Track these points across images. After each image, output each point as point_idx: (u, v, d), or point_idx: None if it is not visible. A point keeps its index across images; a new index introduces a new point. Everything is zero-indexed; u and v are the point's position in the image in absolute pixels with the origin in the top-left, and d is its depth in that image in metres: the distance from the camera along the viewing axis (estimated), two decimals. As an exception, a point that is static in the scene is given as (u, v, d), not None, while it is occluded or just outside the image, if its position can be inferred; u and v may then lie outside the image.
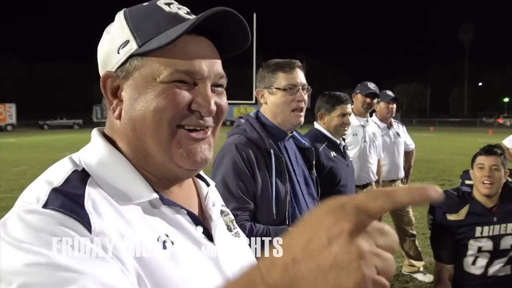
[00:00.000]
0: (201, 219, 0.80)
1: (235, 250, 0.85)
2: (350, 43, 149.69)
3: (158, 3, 0.76)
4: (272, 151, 1.79)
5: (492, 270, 2.44)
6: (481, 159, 2.42)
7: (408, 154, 4.88)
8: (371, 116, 4.64)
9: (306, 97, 1.91)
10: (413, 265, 4.42)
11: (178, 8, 0.76)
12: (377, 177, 4.06)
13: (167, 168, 0.75)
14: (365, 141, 3.92)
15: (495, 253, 2.42)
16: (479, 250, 2.42)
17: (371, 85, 4.08)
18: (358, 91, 4.06)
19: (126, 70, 0.73)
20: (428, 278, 4.24)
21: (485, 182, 2.37)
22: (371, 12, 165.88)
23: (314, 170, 2.04)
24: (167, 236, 0.70)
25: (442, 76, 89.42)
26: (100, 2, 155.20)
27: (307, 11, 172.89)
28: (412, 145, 4.91)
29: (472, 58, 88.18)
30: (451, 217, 2.44)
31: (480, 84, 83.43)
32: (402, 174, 4.58)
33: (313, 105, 3.16)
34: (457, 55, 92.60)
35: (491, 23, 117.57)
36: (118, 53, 0.73)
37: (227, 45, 0.78)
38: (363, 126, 3.94)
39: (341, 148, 3.00)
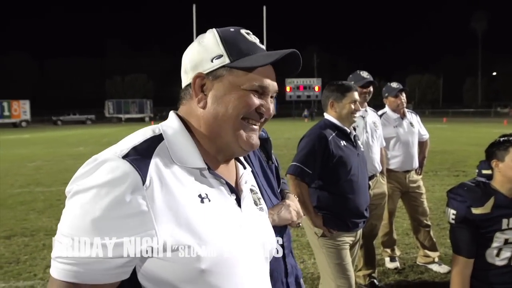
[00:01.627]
0: (236, 189, 1.06)
1: (258, 219, 1.11)
2: (361, 34, 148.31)
3: (241, 31, 1.05)
4: None
5: None
6: None
7: (422, 144, 4.82)
8: (381, 108, 4.61)
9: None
10: (428, 256, 4.39)
11: (255, 38, 1.06)
12: (381, 167, 4.03)
13: (231, 147, 1.03)
14: (366, 131, 3.86)
15: None
16: (506, 242, 2.37)
17: (364, 74, 3.98)
18: (352, 82, 3.82)
19: (215, 75, 1.00)
20: (443, 269, 4.22)
21: None
22: (382, 3, 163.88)
23: (272, 160, 2.05)
24: (206, 195, 0.97)
25: (455, 66, 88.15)
26: (110, 1, 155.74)
27: (317, 3, 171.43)
28: (426, 135, 4.83)
29: (486, 47, 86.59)
30: (476, 210, 2.36)
31: (494, 74, 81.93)
32: (416, 164, 4.54)
33: (323, 97, 3.15)
34: (470, 45, 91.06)
35: (504, 12, 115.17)
36: (212, 62, 1.00)
37: (282, 70, 1.07)
38: (363, 117, 3.87)
39: (352, 137, 3.00)
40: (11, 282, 4.10)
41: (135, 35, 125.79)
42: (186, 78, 1.05)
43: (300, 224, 2.06)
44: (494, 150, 2.44)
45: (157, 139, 0.97)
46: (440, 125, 31.88)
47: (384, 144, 4.26)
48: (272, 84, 1.04)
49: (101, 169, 0.87)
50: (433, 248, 4.39)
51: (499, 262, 2.39)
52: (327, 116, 3.03)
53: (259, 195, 1.20)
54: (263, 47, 1.07)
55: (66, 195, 0.91)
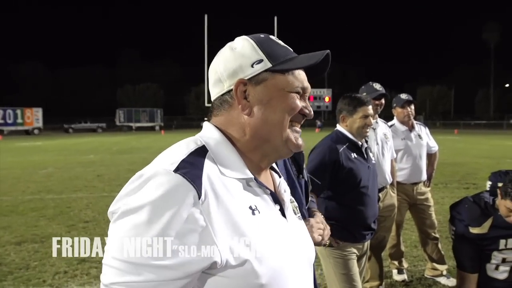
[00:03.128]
0: (278, 199, 1.05)
1: (300, 228, 1.11)
2: (372, 45, 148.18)
3: (271, 37, 1.07)
4: None
5: None
6: None
7: (431, 156, 4.81)
8: (391, 120, 4.62)
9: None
10: (436, 269, 4.36)
11: (284, 44, 1.08)
12: (391, 179, 4.02)
13: (279, 150, 1.02)
14: (377, 143, 3.86)
15: None
16: (503, 260, 2.37)
17: (377, 86, 3.96)
18: (364, 93, 3.84)
19: (258, 80, 1.00)
20: (452, 282, 4.18)
21: None
22: (393, 14, 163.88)
23: (303, 174, 2.00)
24: (256, 206, 0.95)
25: (467, 78, 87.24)
26: (122, 11, 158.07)
27: (328, 14, 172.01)
28: (435, 147, 4.82)
29: (498, 58, 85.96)
30: (473, 230, 2.37)
31: (507, 85, 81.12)
32: (424, 176, 4.53)
33: (334, 107, 3.17)
34: (482, 56, 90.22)
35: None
36: (253, 67, 1.00)
37: (311, 72, 1.08)
38: (374, 129, 3.86)
39: (363, 149, 3.00)
40: (20, 287, 4.15)
41: (147, 45, 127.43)
42: (220, 87, 1.03)
43: (327, 243, 2.02)
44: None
45: (202, 150, 0.95)
46: (451, 136, 31.60)
47: (395, 156, 4.26)
48: (309, 86, 1.06)
49: (150, 184, 0.83)
50: (441, 261, 4.36)
51: (499, 275, 2.40)
52: (339, 127, 3.04)
53: (296, 203, 1.19)
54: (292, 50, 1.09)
55: (109, 217, 0.87)
